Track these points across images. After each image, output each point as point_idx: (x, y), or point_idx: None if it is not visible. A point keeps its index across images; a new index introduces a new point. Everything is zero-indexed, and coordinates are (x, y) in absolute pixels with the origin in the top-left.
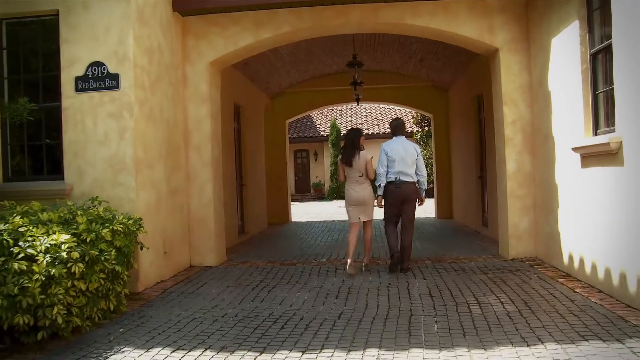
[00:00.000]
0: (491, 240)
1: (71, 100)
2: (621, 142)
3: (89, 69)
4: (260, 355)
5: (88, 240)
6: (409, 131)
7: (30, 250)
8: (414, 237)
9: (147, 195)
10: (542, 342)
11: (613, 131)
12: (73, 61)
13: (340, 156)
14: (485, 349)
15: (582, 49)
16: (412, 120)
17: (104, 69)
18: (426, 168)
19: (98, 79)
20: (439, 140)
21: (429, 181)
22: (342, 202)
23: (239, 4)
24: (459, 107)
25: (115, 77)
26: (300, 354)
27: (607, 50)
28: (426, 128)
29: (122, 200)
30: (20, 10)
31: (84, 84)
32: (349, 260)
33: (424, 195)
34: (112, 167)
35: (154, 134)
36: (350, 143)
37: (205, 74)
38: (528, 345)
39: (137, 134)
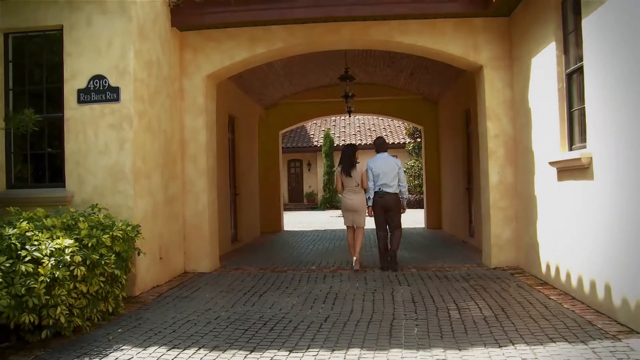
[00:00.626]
0: (477, 250)
1: (73, 112)
2: (591, 157)
3: (91, 82)
4: (250, 354)
5: (89, 245)
6: (401, 142)
7: (36, 254)
8: (402, 247)
9: (144, 203)
10: (513, 344)
11: (585, 147)
12: (76, 74)
13: (339, 168)
14: (460, 350)
15: (558, 69)
16: (404, 132)
17: (105, 82)
18: (417, 179)
19: (99, 91)
20: (429, 152)
21: (420, 192)
22: (334, 212)
23: (234, 20)
24: (448, 120)
25: (115, 90)
26: (287, 352)
27: (581, 71)
28: (418, 139)
29: (121, 208)
30: (26, 25)
31: (86, 96)
32: (354, 259)
33: (405, 203)
34: (111, 176)
35: (152, 145)
36: (348, 157)
37: (201, 87)
38: (500, 347)
39: (136, 144)
